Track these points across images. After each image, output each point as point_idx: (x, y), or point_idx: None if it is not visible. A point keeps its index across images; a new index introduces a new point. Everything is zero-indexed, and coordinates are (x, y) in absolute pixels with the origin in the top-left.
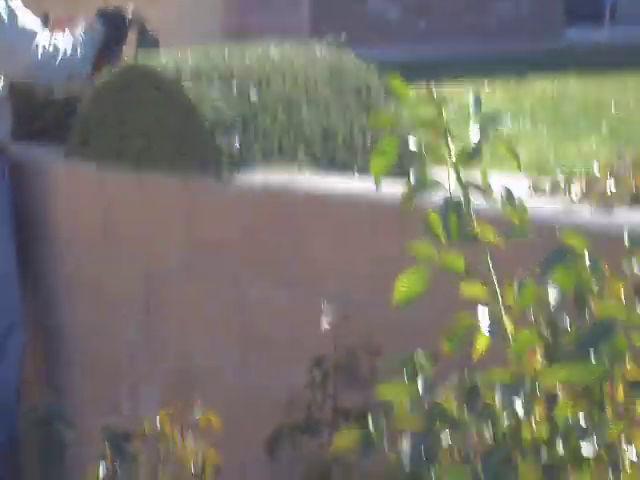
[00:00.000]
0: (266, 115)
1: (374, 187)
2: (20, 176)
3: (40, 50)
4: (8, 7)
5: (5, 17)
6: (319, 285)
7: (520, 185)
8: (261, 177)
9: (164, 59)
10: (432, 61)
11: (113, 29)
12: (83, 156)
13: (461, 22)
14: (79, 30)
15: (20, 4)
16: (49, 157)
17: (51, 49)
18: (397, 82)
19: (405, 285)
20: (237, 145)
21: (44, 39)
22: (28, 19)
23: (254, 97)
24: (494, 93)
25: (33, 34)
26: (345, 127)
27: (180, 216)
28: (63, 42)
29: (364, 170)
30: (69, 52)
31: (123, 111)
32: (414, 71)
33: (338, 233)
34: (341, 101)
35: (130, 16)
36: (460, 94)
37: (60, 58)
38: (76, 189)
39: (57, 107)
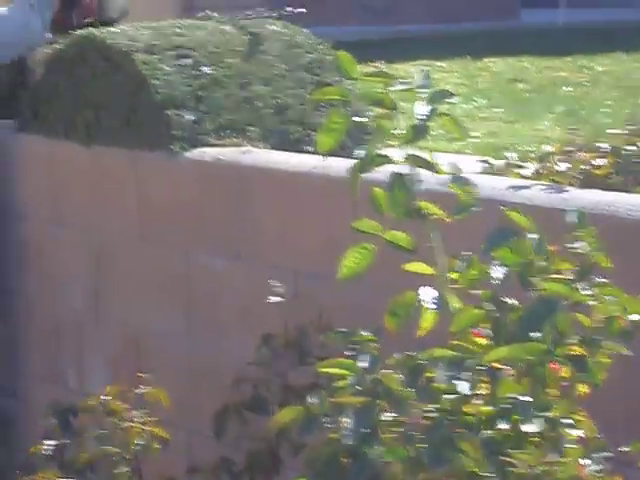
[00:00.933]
0: (219, 90)
1: (327, 165)
2: None
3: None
4: None
5: None
6: (269, 260)
7: (472, 164)
8: (212, 151)
9: (116, 32)
10: (388, 40)
11: None
12: (34, 128)
13: (418, 1)
14: None
15: None
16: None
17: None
18: (344, 57)
19: (351, 261)
20: (189, 119)
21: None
22: None
23: (207, 72)
24: (449, 72)
25: None
26: (298, 103)
27: (130, 188)
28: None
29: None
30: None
31: (74, 82)
32: (369, 49)
33: (289, 208)
34: (294, 77)
35: None
36: (413, 73)
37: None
38: (28, 161)
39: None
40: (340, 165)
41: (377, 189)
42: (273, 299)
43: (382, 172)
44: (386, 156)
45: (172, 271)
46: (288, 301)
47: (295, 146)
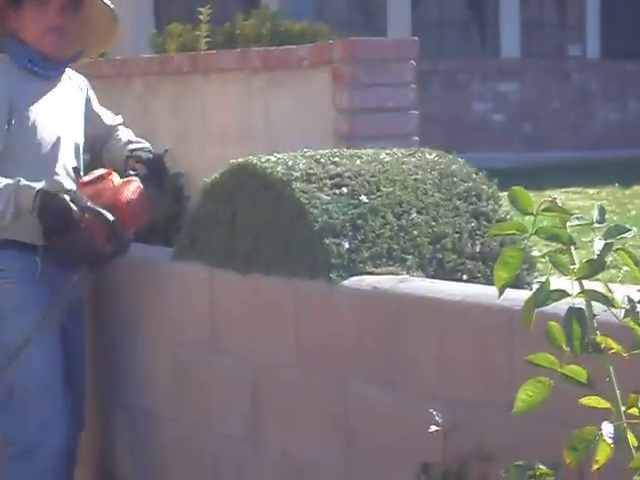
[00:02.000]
0: (376, 218)
1: (484, 293)
2: (121, 276)
3: None
4: None
5: None
6: (426, 389)
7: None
8: (369, 280)
9: (274, 161)
10: (538, 166)
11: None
12: (192, 256)
13: (565, 127)
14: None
15: None
16: (157, 257)
17: None
18: (519, 192)
19: (527, 394)
20: (346, 247)
21: None
22: None
23: (364, 200)
24: (598, 200)
25: None
26: (453, 231)
27: (288, 316)
28: None
29: (472, 275)
30: None
31: (233, 211)
32: (520, 176)
33: (445, 337)
34: (450, 206)
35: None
36: (569, 201)
37: None
38: (184, 289)
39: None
40: (495, 294)
41: (553, 323)
42: (433, 428)
43: (556, 305)
44: (562, 290)
45: (329, 399)
46: (446, 430)
47: (451, 275)
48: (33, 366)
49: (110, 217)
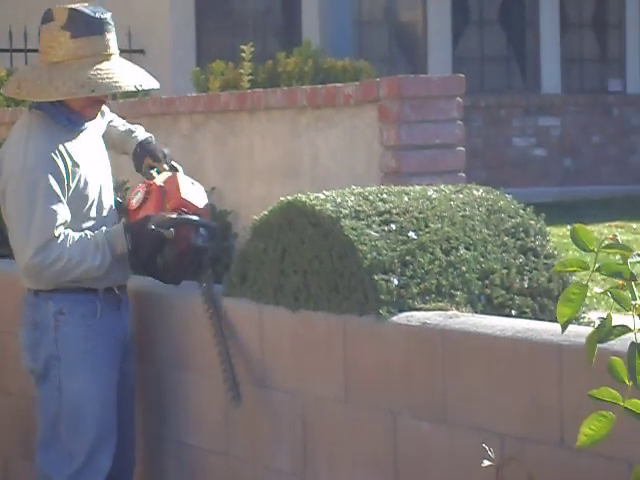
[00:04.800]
0: (424, 255)
1: (532, 328)
2: (170, 313)
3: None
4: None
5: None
6: (475, 423)
7: None
8: (418, 315)
9: (323, 198)
10: (581, 201)
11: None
12: (242, 293)
13: (606, 161)
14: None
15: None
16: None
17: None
18: (581, 230)
19: (590, 429)
20: (395, 283)
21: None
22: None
23: (413, 237)
24: None
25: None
26: (502, 267)
27: (337, 352)
28: (72, 248)
29: (521, 310)
30: (76, 259)
31: (282, 248)
32: (564, 210)
33: (494, 372)
34: (498, 241)
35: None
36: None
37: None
38: (233, 325)
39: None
40: (544, 329)
41: (616, 358)
42: (485, 463)
43: (618, 341)
44: (625, 326)
45: (379, 434)
46: (498, 465)
47: (500, 310)
48: (91, 401)
49: (193, 217)
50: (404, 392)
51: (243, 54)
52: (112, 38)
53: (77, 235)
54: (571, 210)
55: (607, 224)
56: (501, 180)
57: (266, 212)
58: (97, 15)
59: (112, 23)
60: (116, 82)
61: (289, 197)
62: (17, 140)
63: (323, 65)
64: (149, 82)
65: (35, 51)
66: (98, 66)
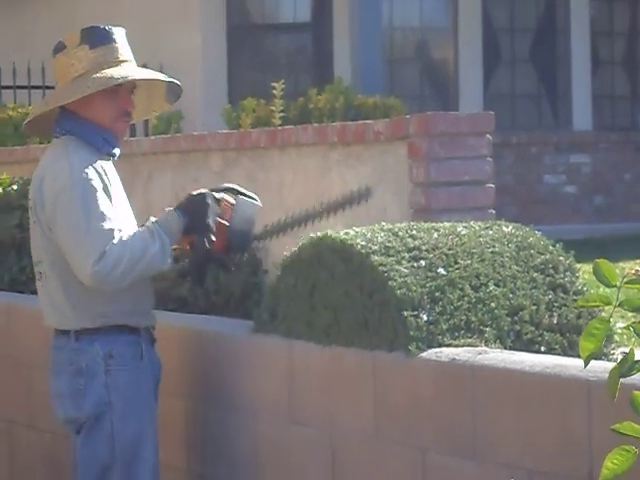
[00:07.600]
0: (454, 291)
1: (562, 364)
2: (201, 349)
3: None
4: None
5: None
6: (504, 459)
7: None
8: (448, 351)
9: (353, 234)
10: (612, 238)
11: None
12: (272, 329)
13: (637, 198)
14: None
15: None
16: (236, 330)
17: (123, 259)
18: (604, 265)
19: (613, 463)
20: (425, 319)
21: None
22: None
23: (442, 273)
24: None
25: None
26: (531, 304)
27: (367, 388)
28: (132, 244)
29: (550, 347)
30: (138, 253)
31: (312, 283)
32: (594, 247)
33: (523, 408)
34: (527, 278)
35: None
36: (636, 271)
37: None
38: (263, 361)
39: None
40: (573, 365)
41: (638, 393)
42: None
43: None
44: None
45: (408, 470)
46: None
47: (529, 346)
48: (146, 447)
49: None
50: (433, 428)
51: (274, 91)
52: (125, 47)
53: (131, 231)
54: (601, 247)
55: (638, 261)
56: (532, 217)
57: (296, 248)
58: (107, 28)
59: (123, 36)
60: (133, 74)
61: (319, 233)
62: (56, 159)
63: (354, 102)
64: (165, 77)
65: (53, 88)
66: (116, 67)
